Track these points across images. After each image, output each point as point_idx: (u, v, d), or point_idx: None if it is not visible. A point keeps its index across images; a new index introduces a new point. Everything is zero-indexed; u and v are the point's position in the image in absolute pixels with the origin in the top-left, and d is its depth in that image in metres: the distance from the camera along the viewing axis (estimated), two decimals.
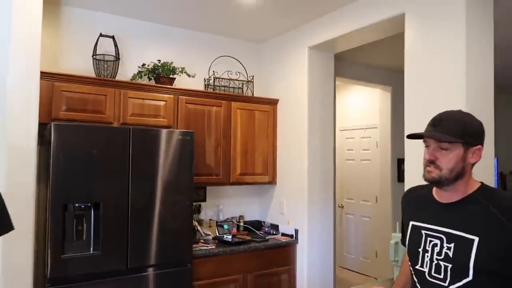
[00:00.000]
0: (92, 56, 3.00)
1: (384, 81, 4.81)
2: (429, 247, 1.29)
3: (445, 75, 2.31)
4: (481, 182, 1.30)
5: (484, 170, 2.10)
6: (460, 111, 1.31)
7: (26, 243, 2.38)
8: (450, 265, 1.22)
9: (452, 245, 1.23)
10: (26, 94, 2.38)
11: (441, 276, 1.24)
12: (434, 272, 1.26)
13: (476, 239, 1.18)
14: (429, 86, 2.39)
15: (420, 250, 1.32)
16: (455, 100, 2.22)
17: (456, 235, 1.23)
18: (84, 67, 3.06)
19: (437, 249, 1.27)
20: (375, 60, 4.45)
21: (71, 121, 2.72)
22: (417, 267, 1.33)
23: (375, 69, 4.70)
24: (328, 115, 3.55)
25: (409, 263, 1.40)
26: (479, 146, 1.26)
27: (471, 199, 1.26)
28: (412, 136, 1.32)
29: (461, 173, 1.25)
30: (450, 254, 1.23)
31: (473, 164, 1.28)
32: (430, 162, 1.27)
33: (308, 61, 3.39)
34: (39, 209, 2.60)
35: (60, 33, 3.05)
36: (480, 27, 2.29)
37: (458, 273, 1.20)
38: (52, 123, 2.39)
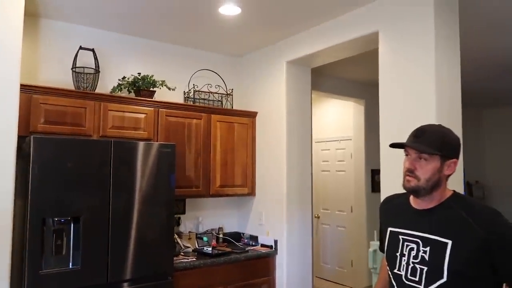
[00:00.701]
0: (72, 68, 2.99)
1: (358, 95, 4.99)
2: (406, 251, 1.38)
3: (417, 90, 2.44)
4: (454, 190, 1.40)
5: (454, 180, 2.23)
6: (441, 126, 1.41)
7: (2, 259, 2.31)
8: (425, 268, 1.30)
9: (427, 248, 1.31)
10: (5, 107, 2.35)
11: (417, 279, 1.32)
12: (410, 275, 1.34)
13: (450, 242, 1.27)
14: (402, 101, 2.52)
15: (398, 254, 1.40)
16: (426, 113, 2.36)
17: (431, 239, 1.32)
18: (64, 79, 3.03)
19: (413, 253, 1.35)
20: (350, 75, 4.62)
21: (50, 134, 2.69)
22: (395, 270, 1.41)
23: (349, 83, 4.87)
24: (305, 127, 3.65)
25: (388, 268, 1.47)
26: (455, 159, 1.36)
27: (444, 206, 1.35)
28: (394, 145, 1.42)
29: (437, 183, 1.34)
30: (426, 257, 1.31)
31: (448, 176, 1.37)
32: (410, 172, 1.35)
33: (286, 75, 3.50)
34: (15, 223, 2.53)
35: (39, 46, 3.02)
36: (447, 45, 2.45)
37: (433, 275, 1.28)
38: (32, 136, 2.36)
